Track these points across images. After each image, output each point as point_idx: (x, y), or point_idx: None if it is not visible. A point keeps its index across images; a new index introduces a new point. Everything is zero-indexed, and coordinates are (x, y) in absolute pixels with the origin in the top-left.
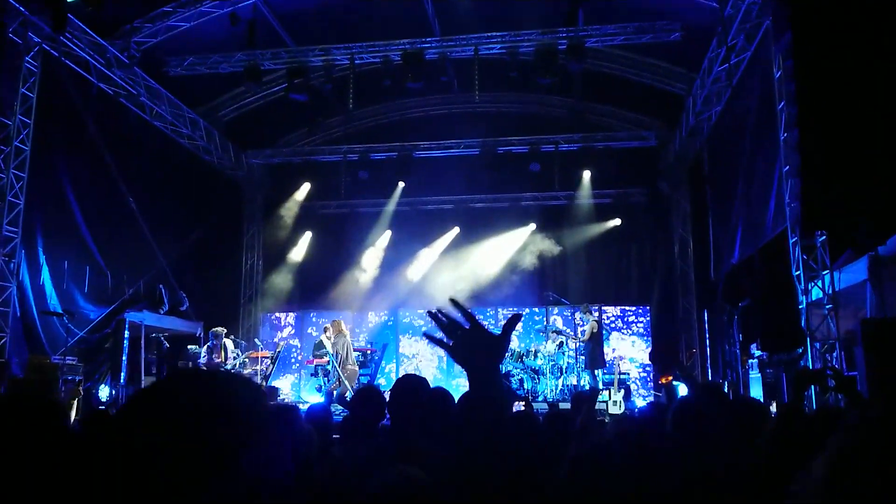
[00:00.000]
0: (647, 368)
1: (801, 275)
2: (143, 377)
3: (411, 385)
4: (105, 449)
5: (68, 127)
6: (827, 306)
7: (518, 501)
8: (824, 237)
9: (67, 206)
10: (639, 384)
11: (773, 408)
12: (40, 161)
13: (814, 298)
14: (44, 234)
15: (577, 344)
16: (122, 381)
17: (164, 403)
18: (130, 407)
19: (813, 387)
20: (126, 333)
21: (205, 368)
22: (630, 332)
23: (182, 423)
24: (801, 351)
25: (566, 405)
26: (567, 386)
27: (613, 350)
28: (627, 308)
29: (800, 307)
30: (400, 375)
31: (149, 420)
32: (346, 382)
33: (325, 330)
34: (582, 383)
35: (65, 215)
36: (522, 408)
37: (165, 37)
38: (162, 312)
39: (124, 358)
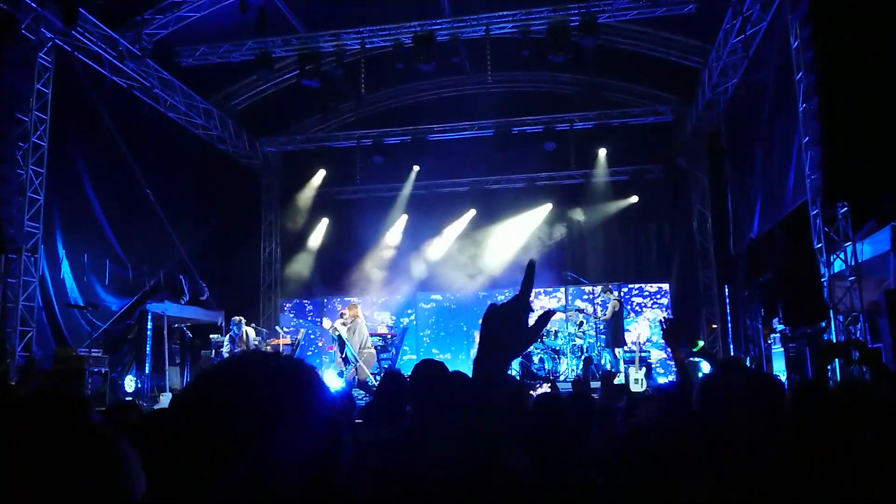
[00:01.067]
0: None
1: (823, 247)
2: (167, 367)
3: (430, 369)
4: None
5: (83, 121)
6: (850, 278)
7: (545, 481)
8: (846, 208)
9: (85, 200)
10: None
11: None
12: (57, 156)
13: (836, 270)
14: (62, 228)
15: (600, 322)
16: (146, 371)
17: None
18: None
19: (837, 360)
20: (149, 324)
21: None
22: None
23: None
24: (824, 324)
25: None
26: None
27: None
28: (645, 285)
29: (822, 280)
30: (419, 360)
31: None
32: (364, 367)
33: (341, 315)
34: (602, 362)
35: (83, 209)
36: (548, 389)
37: (176, 27)
38: (183, 302)
39: (148, 348)
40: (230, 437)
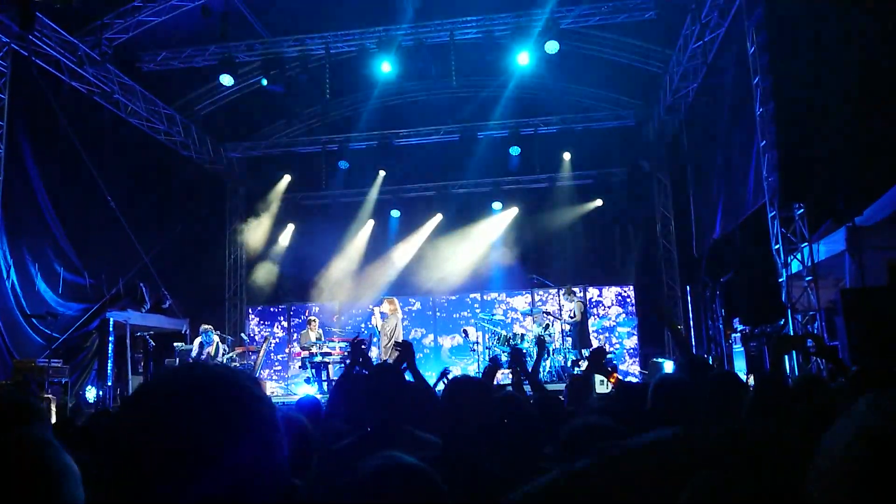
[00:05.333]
0: (633, 348)
1: (781, 248)
2: (130, 376)
3: (390, 374)
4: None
5: (40, 127)
6: (807, 278)
7: (508, 483)
8: (802, 210)
9: (37, 207)
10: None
11: (752, 381)
12: (7, 162)
13: (794, 271)
14: (8, 236)
15: (566, 326)
16: (108, 380)
17: (159, 400)
18: (129, 406)
19: (795, 354)
20: (111, 333)
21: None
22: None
23: (176, 420)
24: (782, 323)
25: (557, 386)
26: (554, 367)
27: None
28: (610, 287)
29: (780, 280)
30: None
31: (143, 418)
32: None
33: (382, 303)
34: (569, 364)
35: (34, 216)
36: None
37: (137, 32)
38: (144, 311)
39: (110, 357)
40: (168, 450)
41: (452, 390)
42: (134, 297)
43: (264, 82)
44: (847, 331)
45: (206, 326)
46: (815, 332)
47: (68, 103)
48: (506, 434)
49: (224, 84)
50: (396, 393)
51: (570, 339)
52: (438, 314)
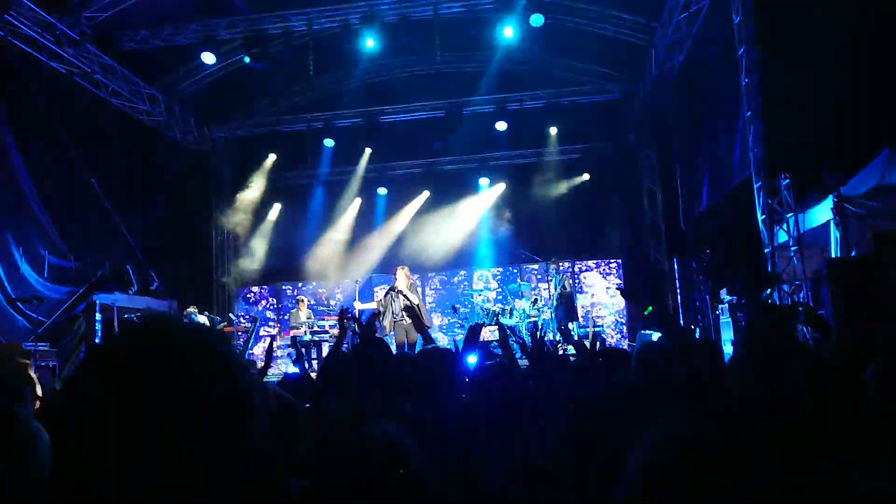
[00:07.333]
0: (622, 320)
1: (767, 219)
2: None
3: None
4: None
5: (18, 110)
6: (793, 248)
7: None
8: (788, 180)
9: (20, 192)
10: (612, 332)
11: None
12: None
13: (780, 241)
14: None
15: (556, 295)
16: None
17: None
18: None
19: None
20: (98, 316)
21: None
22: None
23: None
24: (769, 292)
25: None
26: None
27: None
28: (601, 261)
29: (766, 250)
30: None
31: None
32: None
33: (399, 273)
34: (557, 338)
35: (17, 200)
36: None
37: (116, 10)
38: (131, 293)
39: (98, 341)
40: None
41: (423, 361)
42: (121, 280)
43: (247, 60)
44: (833, 300)
45: (190, 309)
46: (802, 301)
47: (47, 84)
48: (492, 402)
49: (206, 62)
50: (386, 366)
51: (558, 313)
52: (428, 291)
